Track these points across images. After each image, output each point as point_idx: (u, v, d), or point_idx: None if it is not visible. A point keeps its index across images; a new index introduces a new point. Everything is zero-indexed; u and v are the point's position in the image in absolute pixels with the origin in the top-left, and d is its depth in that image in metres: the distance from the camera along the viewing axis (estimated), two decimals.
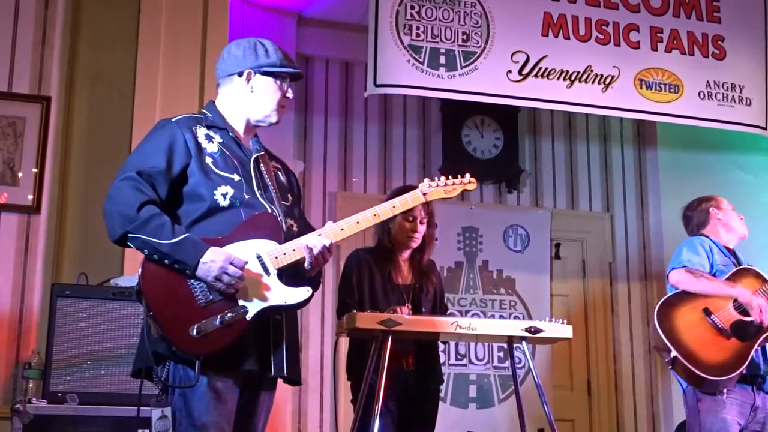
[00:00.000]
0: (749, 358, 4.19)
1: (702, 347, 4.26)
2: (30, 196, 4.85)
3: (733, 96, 5.90)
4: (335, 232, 3.02)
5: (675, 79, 5.79)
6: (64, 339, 4.13)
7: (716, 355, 4.24)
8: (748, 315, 4.25)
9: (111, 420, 4.03)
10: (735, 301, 4.29)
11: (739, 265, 4.44)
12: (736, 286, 4.33)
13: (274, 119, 3.13)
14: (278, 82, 3.10)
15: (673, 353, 4.26)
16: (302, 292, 2.91)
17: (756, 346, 4.22)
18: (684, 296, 4.39)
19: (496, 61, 5.50)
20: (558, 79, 5.58)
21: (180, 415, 2.81)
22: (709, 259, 4.44)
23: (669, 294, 4.48)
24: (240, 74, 3.09)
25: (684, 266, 4.42)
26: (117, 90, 5.10)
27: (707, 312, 4.32)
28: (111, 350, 4.14)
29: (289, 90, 3.13)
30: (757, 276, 4.33)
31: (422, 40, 5.40)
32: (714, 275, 4.39)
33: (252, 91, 3.08)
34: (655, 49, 5.80)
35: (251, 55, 3.09)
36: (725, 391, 4.24)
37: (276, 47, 3.13)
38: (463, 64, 5.45)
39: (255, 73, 3.08)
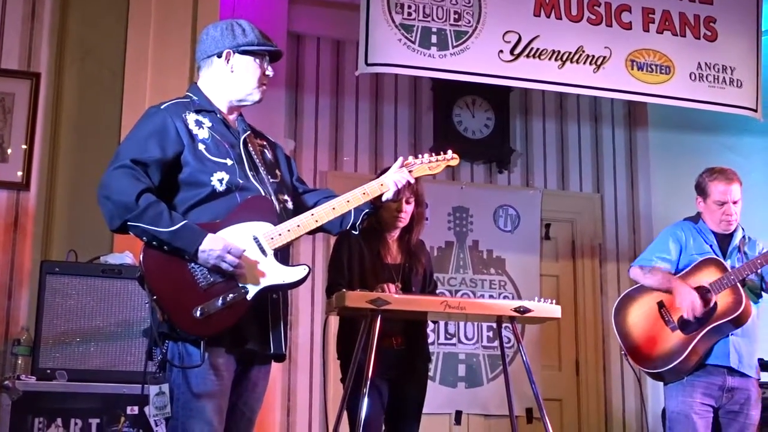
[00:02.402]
0: (688, 350, 4.22)
1: (647, 341, 4.39)
2: (19, 173, 4.84)
3: (724, 78, 5.90)
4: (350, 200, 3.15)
5: (666, 60, 5.79)
6: (54, 316, 4.13)
7: (658, 348, 4.34)
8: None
9: (100, 396, 4.04)
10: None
11: (724, 253, 4.45)
12: (673, 281, 4.37)
13: (256, 97, 3.16)
14: (257, 60, 3.13)
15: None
16: (299, 271, 2.99)
17: (696, 340, 4.23)
18: (644, 289, 4.50)
19: (487, 40, 5.49)
20: (549, 59, 5.58)
21: (178, 391, 2.87)
22: (680, 249, 4.48)
23: (632, 287, 4.59)
24: (219, 55, 3.12)
25: (639, 265, 4.55)
26: (107, 66, 5.08)
27: (661, 304, 4.40)
28: (100, 327, 4.15)
29: (269, 68, 3.16)
30: (719, 266, 4.34)
31: (414, 20, 5.39)
32: (687, 265, 4.43)
33: (232, 71, 3.12)
34: (646, 30, 5.79)
35: (229, 35, 3.12)
36: (685, 376, 4.31)
37: (253, 26, 3.17)
38: (454, 44, 5.44)
39: (234, 52, 3.11)
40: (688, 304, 4.27)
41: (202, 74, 3.17)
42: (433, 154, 3.34)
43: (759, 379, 4.45)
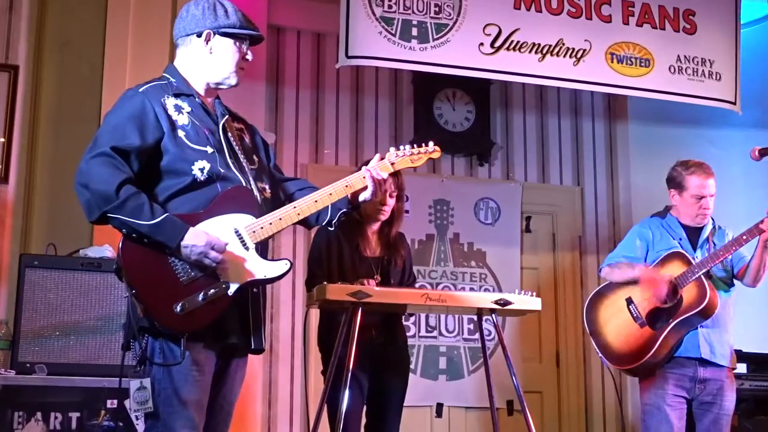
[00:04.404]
0: (657, 345, 4.24)
1: (617, 337, 4.42)
2: None
3: (703, 71, 5.94)
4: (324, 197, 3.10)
5: (646, 53, 5.81)
6: (33, 310, 4.11)
7: (627, 345, 4.37)
8: (666, 303, 4.31)
9: (80, 390, 4.03)
10: None
11: (694, 245, 4.46)
12: (635, 269, 4.41)
13: (233, 81, 3.10)
14: (237, 43, 3.07)
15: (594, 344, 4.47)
16: (281, 266, 2.96)
17: (664, 334, 4.25)
18: (614, 286, 4.53)
19: (468, 33, 5.49)
20: (530, 52, 5.59)
21: (159, 386, 2.83)
22: (646, 247, 4.50)
23: (602, 284, 4.63)
24: (199, 35, 3.05)
25: (607, 264, 4.58)
26: (86, 58, 5.05)
27: (629, 301, 4.42)
28: (79, 321, 4.13)
29: (249, 52, 3.11)
30: (683, 259, 4.35)
31: (394, 12, 5.38)
32: (654, 261, 4.44)
33: (211, 53, 3.06)
34: (626, 23, 5.81)
35: (210, 16, 3.05)
36: (657, 370, 4.34)
37: (236, 8, 3.10)
38: (435, 37, 5.44)
39: (214, 34, 3.05)
40: (656, 289, 4.29)
41: (180, 53, 3.10)
42: (415, 147, 3.32)
43: (733, 369, 4.48)
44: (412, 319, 6.18)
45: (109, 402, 3.99)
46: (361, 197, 3.19)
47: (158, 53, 4.96)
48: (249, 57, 3.10)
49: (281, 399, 5.97)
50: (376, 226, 4.37)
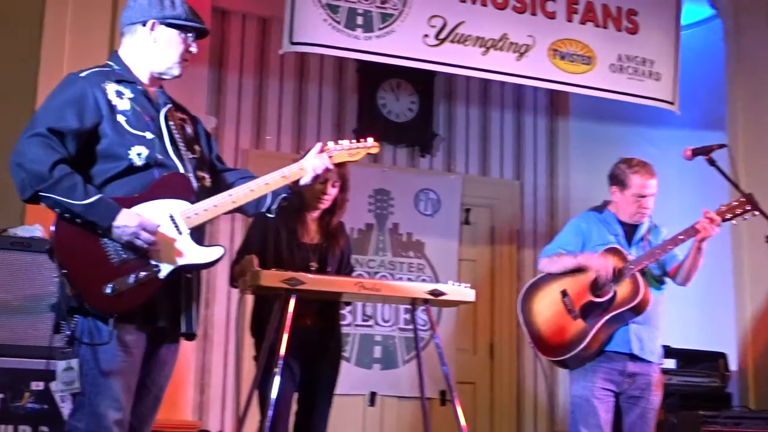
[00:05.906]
0: (589, 338, 4.29)
1: (549, 328, 4.45)
2: None
3: (643, 70, 6.02)
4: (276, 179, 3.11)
5: (588, 50, 5.88)
6: None
7: (559, 336, 4.41)
8: (600, 296, 4.37)
9: (4, 372, 3.95)
10: (593, 282, 4.39)
11: (629, 242, 4.50)
12: (577, 257, 4.44)
13: (176, 72, 3.11)
14: (182, 35, 3.08)
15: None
16: (214, 252, 2.97)
17: (596, 328, 4.29)
18: (549, 278, 4.55)
19: (413, 24, 5.51)
20: (474, 45, 5.62)
21: (87, 367, 2.83)
22: (582, 241, 4.52)
23: (537, 276, 4.66)
24: (144, 24, 3.06)
25: (545, 256, 4.60)
26: (24, 39, 4.95)
27: (564, 293, 4.45)
28: (7, 300, 4.04)
29: (193, 45, 3.11)
30: (619, 255, 4.38)
31: (340, 0, 5.37)
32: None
33: (155, 42, 3.06)
34: (570, 20, 5.87)
35: (157, 5, 3.06)
36: (587, 363, 4.38)
37: (183, 0, 3.11)
38: (380, 26, 5.45)
39: (159, 23, 3.05)
40: (603, 270, 4.32)
41: (125, 42, 3.11)
42: (354, 141, 3.33)
43: (661, 365, 4.56)
44: (349, 307, 6.18)
45: (34, 384, 3.93)
46: (302, 182, 3.20)
47: (99, 27, 4.87)
48: (193, 49, 3.11)
49: (214, 385, 5.95)
50: (316, 213, 4.37)
